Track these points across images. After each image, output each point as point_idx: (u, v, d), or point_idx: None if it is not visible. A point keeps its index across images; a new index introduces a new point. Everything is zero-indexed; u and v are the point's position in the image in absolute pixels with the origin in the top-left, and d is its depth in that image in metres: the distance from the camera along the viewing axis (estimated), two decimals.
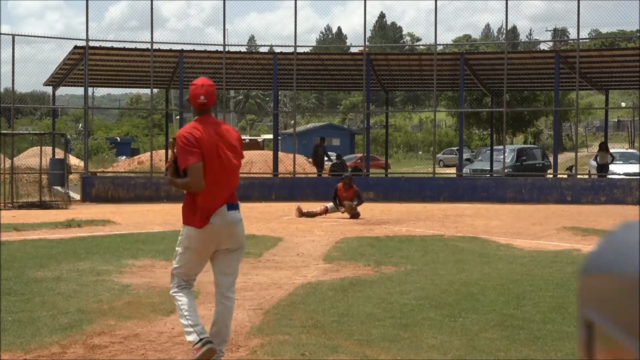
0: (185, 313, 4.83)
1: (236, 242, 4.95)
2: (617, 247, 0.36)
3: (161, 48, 23.70)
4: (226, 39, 27.76)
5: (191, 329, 4.75)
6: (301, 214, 16.17)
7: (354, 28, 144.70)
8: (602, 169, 24.46)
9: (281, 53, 25.08)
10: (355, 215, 15.96)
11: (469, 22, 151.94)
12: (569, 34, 56.42)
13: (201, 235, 4.85)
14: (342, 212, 16.14)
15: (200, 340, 4.68)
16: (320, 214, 16.20)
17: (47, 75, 26.04)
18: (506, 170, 24.81)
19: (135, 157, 41.03)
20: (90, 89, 29.13)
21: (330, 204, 16.38)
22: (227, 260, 4.98)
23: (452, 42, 57.65)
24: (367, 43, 26.96)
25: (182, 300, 4.91)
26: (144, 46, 23.25)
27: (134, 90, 72.55)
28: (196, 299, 7.14)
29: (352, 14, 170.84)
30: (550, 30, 67.37)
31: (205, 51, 24.71)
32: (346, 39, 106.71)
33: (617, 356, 0.32)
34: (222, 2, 23.17)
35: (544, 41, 63.04)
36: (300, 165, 29.83)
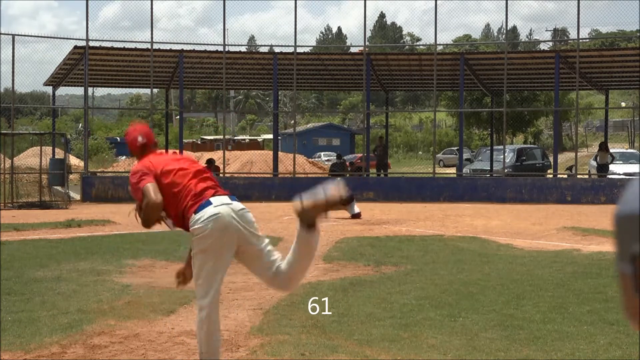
0: None
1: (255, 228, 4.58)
2: None
3: (161, 48, 23.72)
4: (226, 39, 27.76)
5: None
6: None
7: (352, 28, 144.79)
8: (602, 169, 24.46)
9: (281, 53, 25.08)
10: (355, 215, 15.96)
11: (463, 22, 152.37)
12: (569, 34, 56.41)
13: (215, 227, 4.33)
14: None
15: None
16: None
17: (46, 75, 26.07)
18: (506, 170, 24.80)
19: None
20: (90, 89, 29.11)
21: None
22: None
23: (452, 42, 57.66)
24: (367, 43, 26.94)
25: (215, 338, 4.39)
26: (144, 46, 23.27)
27: (134, 90, 72.69)
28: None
29: (346, 15, 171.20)
30: (550, 30, 67.35)
31: (205, 51, 24.72)
32: (346, 39, 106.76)
33: None
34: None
35: (544, 41, 63.00)
36: (300, 165, 29.82)
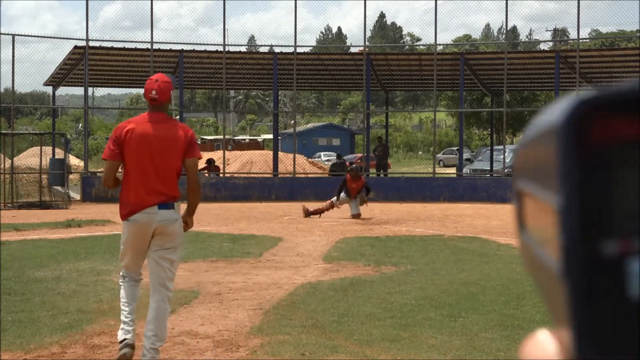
0: (122, 306, 5.00)
1: (169, 241, 4.79)
2: (542, 120, 0.38)
3: (161, 48, 23.72)
4: (226, 39, 27.75)
5: (121, 325, 4.87)
6: (307, 213, 15.97)
7: (352, 28, 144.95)
8: None
9: (281, 53, 25.09)
10: (356, 215, 15.94)
11: (463, 22, 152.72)
12: (569, 34, 56.42)
13: (130, 228, 4.76)
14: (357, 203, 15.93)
15: (120, 341, 4.80)
16: (327, 209, 15.99)
17: (46, 75, 26.07)
18: (506, 170, 24.81)
19: None
20: (90, 89, 29.13)
21: (334, 199, 16.08)
22: (157, 257, 4.90)
23: (452, 42, 57.67)
24: (367, 43, 26.95)
25: (121, 292, 5.10)
26: (144, 46, 23.27)
27: (134, 90, 72.63)
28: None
29: (346, 15, 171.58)
30: (550, 30, 67.37)
31: (205, 51, 24.73)
32: (346, 39, 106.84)
33: (540, 212, 0.34)
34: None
35: (544, 41, 63.00)
36: (300, 165, 29.81)
